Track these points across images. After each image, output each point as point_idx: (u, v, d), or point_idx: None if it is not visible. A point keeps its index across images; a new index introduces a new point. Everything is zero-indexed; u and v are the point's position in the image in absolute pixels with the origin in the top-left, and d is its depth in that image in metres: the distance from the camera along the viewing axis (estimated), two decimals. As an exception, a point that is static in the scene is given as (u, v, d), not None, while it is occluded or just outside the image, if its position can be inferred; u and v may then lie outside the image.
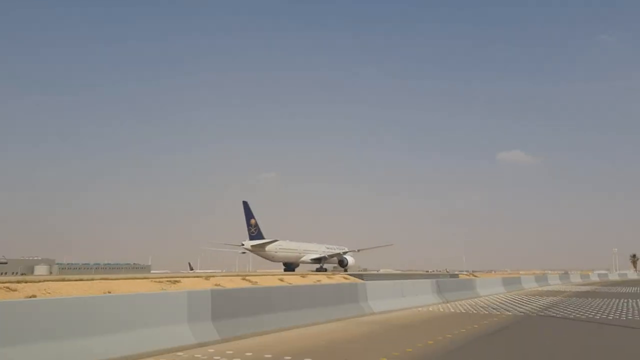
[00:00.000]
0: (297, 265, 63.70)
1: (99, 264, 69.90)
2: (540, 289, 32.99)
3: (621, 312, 15.19)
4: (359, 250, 63.05)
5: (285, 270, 62.55)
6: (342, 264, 63.41)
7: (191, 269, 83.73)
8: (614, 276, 67.35)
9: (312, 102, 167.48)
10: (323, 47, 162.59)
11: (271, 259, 58.21)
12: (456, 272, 57.26)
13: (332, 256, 61.98)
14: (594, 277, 59.31)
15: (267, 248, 55.93)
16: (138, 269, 61.59)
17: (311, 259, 61.53)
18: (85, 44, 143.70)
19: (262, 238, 56.19)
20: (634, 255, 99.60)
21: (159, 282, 14.15)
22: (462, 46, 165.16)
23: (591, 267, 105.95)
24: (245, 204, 55.80)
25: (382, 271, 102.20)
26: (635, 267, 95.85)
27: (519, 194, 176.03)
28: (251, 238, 55.49)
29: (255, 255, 58.86)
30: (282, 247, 58.28)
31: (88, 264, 66.90)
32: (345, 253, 62.48)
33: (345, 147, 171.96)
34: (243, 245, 55.09)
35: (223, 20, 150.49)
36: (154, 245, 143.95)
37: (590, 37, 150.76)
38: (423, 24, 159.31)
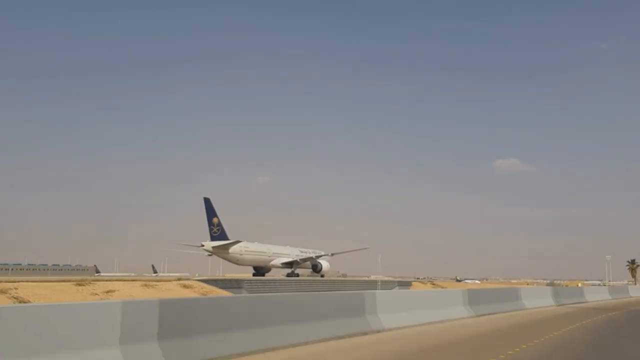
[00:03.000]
0: (268, 269, 61.07)
1: (19, 264, 63.03)
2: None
3: None
4: (332, 255, 61.11)
5: (254, 274, 59.80)
6: (316, 269, 61.14)
7: (155, 272, 79.67)
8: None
9: (304, 105, 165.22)
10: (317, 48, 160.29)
11: (236, 262, 55.02)
12: (410, 280, 56.33)
13: (304, 260, 59.53)
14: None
15: (231, 250, 52.72)
16: (80, 272, 57.02)
17: (282, 263, 58.81)
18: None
19: (227, 239, 53.17)
20: (633, 261, 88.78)
21: (80, 284, 11.51)
22: (459, 53, 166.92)
23: (583, 276, 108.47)
24: (206, 200, 52.24)
25: (373, 277, 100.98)
26: (634, 275, 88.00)
27: (511, 201, 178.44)
28: (213, 239, 52.32)
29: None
30: (249, 249, 55.25)
31: (7, 264, 59.85)
32: (319, 257, 60.38)
33: (340, 150, 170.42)
34: (203, 246, 51.76)
35: (215, 20, 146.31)
36: (125, 246, 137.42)
37: (590, 46, 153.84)
38: (420, 27, 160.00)
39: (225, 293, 22.68)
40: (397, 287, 44.45)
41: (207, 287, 22.51)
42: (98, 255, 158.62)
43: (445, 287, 48.23)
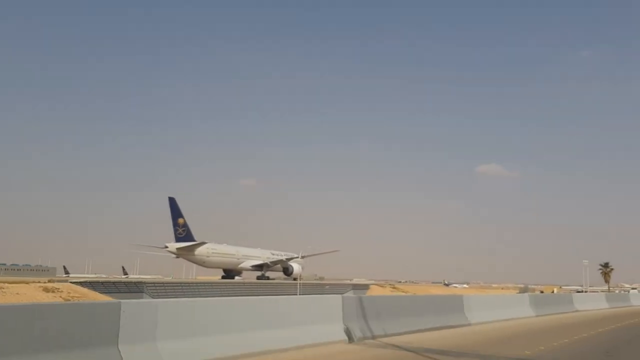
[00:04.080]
0: (239, 272, 61.33)
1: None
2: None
3: None
4: (303, 257, 60.88)
5: (223, 277, 60.18)
6: (287, 271, 61.06)
7: (125, 273, 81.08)
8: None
9: (291, 108, 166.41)
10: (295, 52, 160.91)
11: (202, 264, 55.61)
12: (369, 284, 55.48)
13: (275, 263, 59.64)
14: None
15: (197, 252, 53.26)
16: (39, 272, 58.31)
17: (251, 266, 59.09)
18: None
19: (194, 240, 53.61)
20: (606, 265, 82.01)
21: None
22: (442, 60, 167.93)
23: (559, 281, 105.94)
24: (171, 200, 53.06)
25: (355, 281, 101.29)
26: (607, 280, 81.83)
27: (493, 206, 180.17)
28: (178, 240, 52.88)
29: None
30: (216, 251, 55.69)
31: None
32: (290, 260, 60.22)
33: (323, 153, 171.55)
34: (167, 247, 52.44)
35: (197, 15, 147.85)
36: (100, 247, 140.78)
37: (572, 53, 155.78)
38: (406, 35, 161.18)
39: (103, 298, 22.50)
40: (352, 291, 43.70)
41: (81, 291, 22.43)
42: (73, 257, 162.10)
43: (406, 292, 47.77)
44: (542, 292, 67.64)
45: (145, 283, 30.98)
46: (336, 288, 45.56)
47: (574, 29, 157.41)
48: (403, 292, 42.74)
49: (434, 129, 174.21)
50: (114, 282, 26.93)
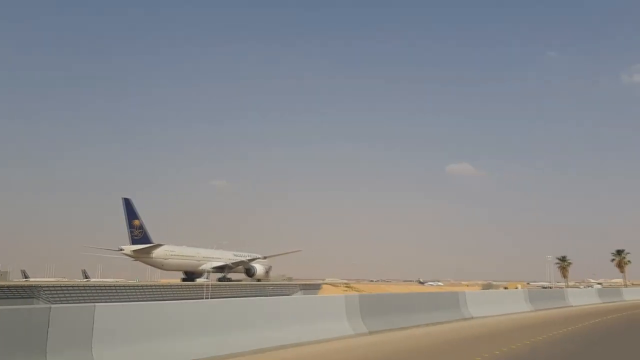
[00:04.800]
0: (200, 274, 60.56)
1: None
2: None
3: None
4: (265, 258, 60.61)
5: (184, 279, 59.29)
6: (249, 273, 60.69)
7: (86, 277, 79.01)
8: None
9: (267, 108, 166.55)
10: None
11: (160, 266, 54.61)
12: (320, 283, 55.69)
13: (237, 264, 59.12)
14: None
15: (155, 254, 52.29)
16: None
17: (213, 268, 58.42)
18: None
19: (151, 242, 52.69)
20: (564, 258, 77.63)
21: None
22: (414, 62, 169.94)
23: (523, 278, 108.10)
24: (126, 201, 52.04)
25: (328, 280, 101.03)
26: (565, 275, 77.88)
27: (461, 205, 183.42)
28: (134, 242, 51.88)
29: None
30: (175, 253, 54.82)
31: None
32: (252, 261, 59.84)
33: (294, 153, 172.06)
34: (122, 250, 51.39)
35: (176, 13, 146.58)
36: (61, 250, 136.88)
37: (539, 55, 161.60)
38: (377, 36, 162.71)
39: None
40: (301, 292, 43.43)
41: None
42: (35, 261, 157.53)
43: (361, 290, 47.95)
44: (505, 288, 68.88)
45: (41, 287, 28.88)
46: (281, 289, 44.82)
47: (543, 30, 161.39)
48: (355, 289, 42.98)
49: (405, 129, 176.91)
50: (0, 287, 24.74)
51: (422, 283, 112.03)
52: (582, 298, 25.44)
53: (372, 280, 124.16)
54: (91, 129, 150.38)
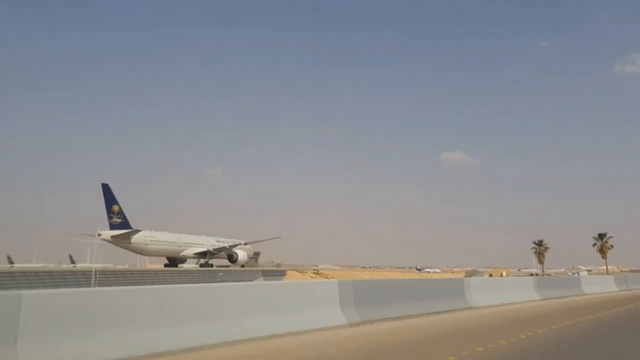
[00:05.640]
0: (183, 260, 60.69)
1: None
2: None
3: None
4: (246, 244, 60.63)
5: (166, 265, 59.36)
6: (232, 259, 60.66)
7: (73, 262, 79.23)
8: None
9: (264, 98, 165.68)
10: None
11: (140, 252, 54.39)
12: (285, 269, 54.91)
13: (219, 250, 59.05)
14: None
15: (134, 239, 52.02)
16: None
17: (194, 253, 58.41)
18: None
19: (130, 228, 52.57)
20: (540, 242, 73.55)
21: None
22: (409, 52, 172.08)
23: (509, 265, 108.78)
24: (105, 187, 51.66)
25: (321, 266, 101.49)
26: (541, 260, 74.24)
27: (453, 193, 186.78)
28: (113, 227, 51.68)
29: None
30: (155, 238, 54.60)
31: None
32: (233, 247, 59.81)
33: (291, 144, 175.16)
34: (100, 235, 51.19)
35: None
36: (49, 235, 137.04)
37: (531, 44, 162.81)
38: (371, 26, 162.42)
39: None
40: (261, 278, 43.25)
41: None
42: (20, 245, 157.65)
43: (328, 276, 47.92)
44: (490, 275, 69.02)
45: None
46: (239, 275, 44.43)
47: (534, 20, 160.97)
48: (325, 275, 42.82)
49: (398, 117, 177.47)
50: None
51: (419, 270, 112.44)
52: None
53: (364, 267, 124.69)
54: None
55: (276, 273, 48.49)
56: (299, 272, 52.17)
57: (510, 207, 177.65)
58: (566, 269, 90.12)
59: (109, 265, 69.88)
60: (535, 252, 75.46)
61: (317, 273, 52.13)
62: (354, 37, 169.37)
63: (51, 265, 72.37)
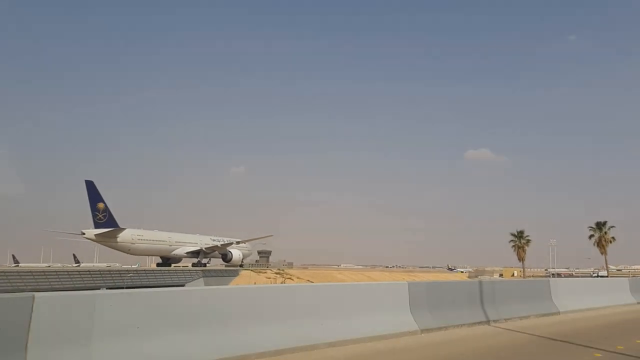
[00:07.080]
0: (178, 259, 58.77)
1: None
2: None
3: None
4: (238, 242, 57.98)
5: (159, 265, 57.47)
6: (226, 258, 58.18)
7: (77, 262, 79.65)
8: None
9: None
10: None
11: (127, 251, 52.26)
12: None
13: (212, 249, 56.70)
14: None
15: (121, 238, 50.00)
16: None
17: (187, 252, 56.19)
18: None
19: (116, 226, 50.82)
20: (520, 234, 61.97)
21: None
22: (433, 45, 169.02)
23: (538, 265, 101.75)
24: (89, 184, 49.90)
25: (343, 266, 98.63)
26: (522, 257, 62.15)
27: (475, 191, 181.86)
28: (97, 226, 49.97)
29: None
30: (143, 237, 52.54)
31: None
32: (226, 245, 57.22)
33: (314, 145, 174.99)
34: (84, 234, 49.62)
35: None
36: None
37: (559, 38, 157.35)
38: (397, 31, 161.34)
39: None
40: (201, 280, 40.52)
41: None
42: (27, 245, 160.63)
43: (292, 277, 44.74)
44: (501, 275, 63.56)
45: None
46: (173, 276, 41.84)
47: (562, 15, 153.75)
48: (291, 278, 39.85)
49: (421, 113, 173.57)
50: None
51: (451, 269, 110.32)
52: None
53: (387, 267, 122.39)
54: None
55: (225, 274, 45.88)
56: (255, 272, 49.44)
57: (537, 205, 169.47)
58: (594, 269, 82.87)
59: (115, 265, 68.92)
60: (513, 247, 63.54)
61: (278, 273, 49.23)
62: (386, 37, 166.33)
63: (57, 265, 72.45)
